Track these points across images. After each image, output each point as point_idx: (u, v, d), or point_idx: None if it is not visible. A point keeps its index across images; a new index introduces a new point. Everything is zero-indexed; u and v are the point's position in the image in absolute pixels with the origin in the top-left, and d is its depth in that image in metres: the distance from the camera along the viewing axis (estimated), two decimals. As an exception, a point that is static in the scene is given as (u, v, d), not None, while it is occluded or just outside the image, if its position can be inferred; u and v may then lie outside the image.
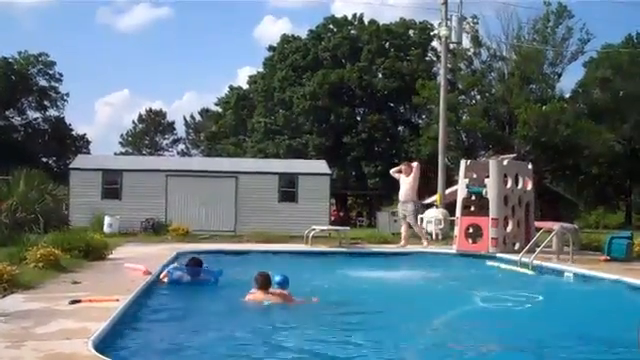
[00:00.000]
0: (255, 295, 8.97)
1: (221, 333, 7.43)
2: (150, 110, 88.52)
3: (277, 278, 9.35)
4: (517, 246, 16.45)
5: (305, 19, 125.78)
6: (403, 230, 19.06)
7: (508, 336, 7.49)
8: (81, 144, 70.63)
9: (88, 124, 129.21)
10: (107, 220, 24.59)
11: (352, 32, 60.35)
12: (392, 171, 20.09)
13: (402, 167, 19.54)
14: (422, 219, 24.10)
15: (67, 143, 68.72)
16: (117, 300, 7.66)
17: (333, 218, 30.34)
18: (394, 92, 56.26)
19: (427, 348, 6.99)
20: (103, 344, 5.64)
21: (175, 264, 11.29)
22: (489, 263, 15.11)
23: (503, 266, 14.51)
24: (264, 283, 9.03)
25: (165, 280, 10.49)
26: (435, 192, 29.30)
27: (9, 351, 5.24)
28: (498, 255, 15.66)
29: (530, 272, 13.14)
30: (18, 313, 6.93)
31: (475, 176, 17.89)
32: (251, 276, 9.36)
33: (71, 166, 29.98)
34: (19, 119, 66.62)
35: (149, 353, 6.12)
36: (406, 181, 18.97)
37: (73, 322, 6.45)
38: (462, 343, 7.16)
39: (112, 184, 27.85)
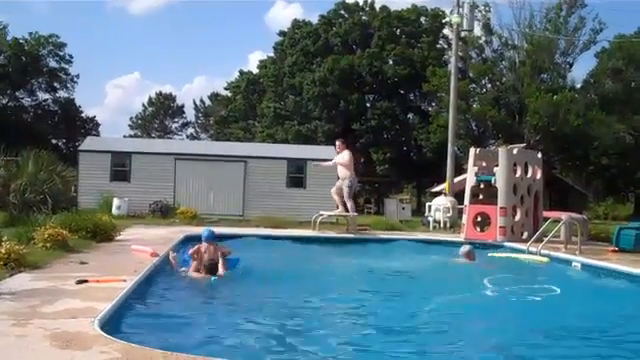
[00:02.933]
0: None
1: (224, 313, 7.46)
2: (160, 93, 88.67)
3: (205, 233, 10.55)
4: (525, 235, 16.45)
5: (316, 4, 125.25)
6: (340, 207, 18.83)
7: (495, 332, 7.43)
8: (91, 126, 70.70)
9: (98, 106, 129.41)
10: (115, 202, 24.67)
11: (363, 18, 60.07)
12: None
13: (336, 144, 19.35)
14: (430, 207, 24.09)
15: (76, 125, 68.76)
16: (124, 281, 7.68)
17: (341, 204, 30.29)
18: (404, 79, 56.01)
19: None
20: (109, 324, 5.65)
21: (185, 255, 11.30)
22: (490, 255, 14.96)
23: (503, 255, 14.50)
24: (212, 269, 9.94)
25: (174, 262, 10.50)
26: (444, 180, 29.21)
27: (15, 329, 5.25)
28: (506, 244, 15.65)
29: (543, 260, 13.13)
30: (25, 292, 6.95)
31: (484, 164, 17.84)
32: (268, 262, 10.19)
33: (80, 148, 30.04)
34: (29, 100, 66.69)
35: (155, 333, 6.12)
36: (339, 159, 18.69)
37: (80, 302, 6.47)
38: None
39: (121, 166, 27.89)
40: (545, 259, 13.23)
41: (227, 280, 9.77)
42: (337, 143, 19.30)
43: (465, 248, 13.50)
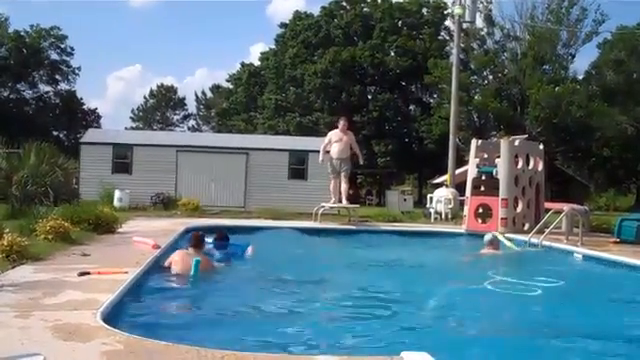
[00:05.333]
0: (188, 252, 9.35)
1: (228, 305, 7.46)
2: (161, 85, 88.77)
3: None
4: (527, 226, 16.43)
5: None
6: (333, 186, 18.58)
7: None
8: (92, 118, 70.77)
9: (99, 98, 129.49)
10: (117, 194, 24.69)
11: (365, 10, 59.99)
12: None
13: (341, 123, 18.65)
14: (431, 198, 24.07)
15: (78, 117, 68.83)
16: (126, 272, 7.67)
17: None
18: (406, 71, 55.97)
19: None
20: (111, 315, 5.66)
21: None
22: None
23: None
24: (198, 242, 9.58)
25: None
26: (445, 172, 29.20)
27: (17, 321, 5.26)
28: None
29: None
30: (27, 284, 6.95)
31: (486, 156, 17.82)
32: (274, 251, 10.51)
33: (82, 140, 30.06)
34: (30, 92, 66.71)
35: (157, 325, 6.13)
36: (343, 138, 18.29)
37: (82, 293, 6.46)
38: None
39: (122, 158, 27.92)
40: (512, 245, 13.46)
41: (234, 268, 9.80)
42: (341, 122, 18.69)
43: (488, 237, 13.46)
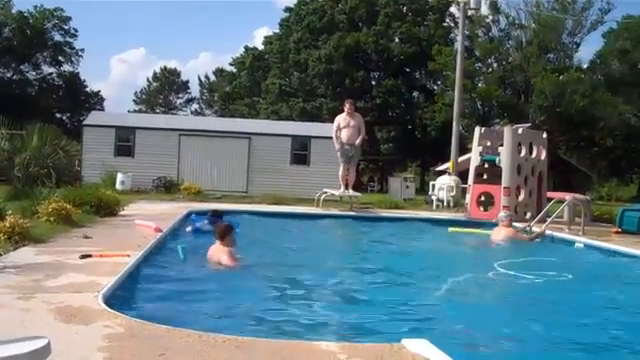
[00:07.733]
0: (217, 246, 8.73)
1: (229, 289, 7.46)
2: (165, 69, 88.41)
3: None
4: (528, 215, 16.47)
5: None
6: (342, 173, 18.20)
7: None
8: (95, 101, 70.66)
9: (103, 81, 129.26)
10: (119, 177, 24.70)
11: (370, -5, 59.76)
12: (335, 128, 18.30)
13: (347, 105, 18.18)
14: (434, 186, 24.07)
15: (81, 99, 68.71)
16: (128, 255, 7.68)
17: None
18: (410, 57, 55.77)
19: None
20: (113, 298, 5.67)
21: (193, 215, 12.34)
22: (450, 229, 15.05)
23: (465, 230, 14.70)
24: (223, 234, 8.81)
25: (188, 230, 11.71)
26: (448, 159, 29.17)
27: (19, 302, 5.27)
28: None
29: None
30: (29, 266, 6.96)
31: (489, 144, 17.83)
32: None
33: (85, 122, 30.00)
34: (34, 74, 66.55)
35: (158, 308, 6.14)
36: (351, 122, 17.91)
37: (83, 276, 6.48)
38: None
39: (125, 141, 27.88)
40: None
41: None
42: (347, 105, 18.19)
43: (503, 215, 13.42)
